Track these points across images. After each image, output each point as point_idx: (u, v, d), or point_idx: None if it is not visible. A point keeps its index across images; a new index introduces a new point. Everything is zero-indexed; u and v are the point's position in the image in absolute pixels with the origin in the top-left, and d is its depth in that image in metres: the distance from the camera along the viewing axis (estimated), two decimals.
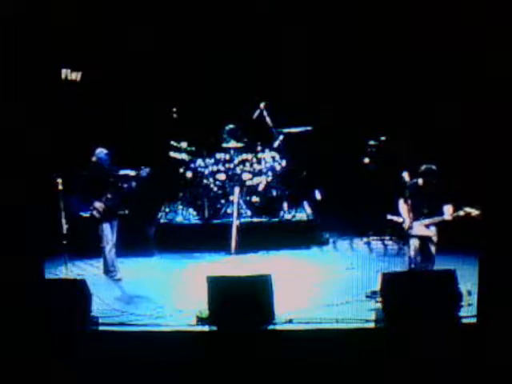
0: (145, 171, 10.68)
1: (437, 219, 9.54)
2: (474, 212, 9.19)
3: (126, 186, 10.62)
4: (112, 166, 10.69)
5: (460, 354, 7.93)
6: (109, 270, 10.81)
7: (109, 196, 10.57)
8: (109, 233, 10.65)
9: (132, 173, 10.76)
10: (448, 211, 9.49)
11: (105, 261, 10.79)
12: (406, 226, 9.59)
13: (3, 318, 8.39)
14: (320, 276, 10.67)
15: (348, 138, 13.08)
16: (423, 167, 9.64)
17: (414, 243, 9.60)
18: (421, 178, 9.63)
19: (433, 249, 9.63)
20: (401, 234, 9.69)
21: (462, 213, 9.33)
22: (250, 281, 8.88)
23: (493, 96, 8.25)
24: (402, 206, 9.67)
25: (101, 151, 10.60)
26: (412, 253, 9.61)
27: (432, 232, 9.58)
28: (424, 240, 9.61)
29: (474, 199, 8.92)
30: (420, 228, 9.59)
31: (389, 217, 9.82)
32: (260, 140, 12.98)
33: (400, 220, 9.69)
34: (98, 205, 10.53)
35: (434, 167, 9.59)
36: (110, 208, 10.60)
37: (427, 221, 9.58)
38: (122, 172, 10.86)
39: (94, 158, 10.58)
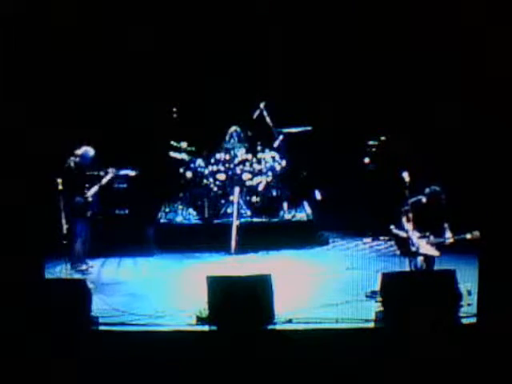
0: (111, 170, 11.16)
1: (441, 241, 9.51)
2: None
3: (102, 183, 11.03)
4: (92, 165, 10.96)
5: (460, 354, 7.93)
6: (74, 263, 10.93)
7: (85, 192, 10.85)
8: (82, 228, 10.88)
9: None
10: (448, 232, 9.51)
11: (72, 254, 10.91)
12: (414, 248, 9.53)
13: (3, 318, 8.38)
14: (320, 276, 10.67)
15: (348, 138, 13.08)
16: (428, 189, 9.57)
17: (420, 259, 9.57)
18: (425, 198, 9.59)
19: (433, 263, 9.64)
20: (407, 251, 9.61)
21: (468, 236, 9.31)
22: (250, 281, 8.87)
23: (493, 96, 8.24)
24: (406, 224, 9.59)
25: (86, 150, 10.86)
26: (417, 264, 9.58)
27: (438, 252, 9.54)
28: (427, 257, 9.58)
29: (473, 214, 8.90)
30: (427, 247, 9.53)
31: (394, 231, 9.76)
32: (260, 140, 12.98)
33: (405, 235, 9.62)
34: (77, 200, 10.78)
35: (438, 189, 9.54)
36: (84, 204, 10.85)
37: (432, 240, 9.53)
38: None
39: (78, 157, 10.86)
